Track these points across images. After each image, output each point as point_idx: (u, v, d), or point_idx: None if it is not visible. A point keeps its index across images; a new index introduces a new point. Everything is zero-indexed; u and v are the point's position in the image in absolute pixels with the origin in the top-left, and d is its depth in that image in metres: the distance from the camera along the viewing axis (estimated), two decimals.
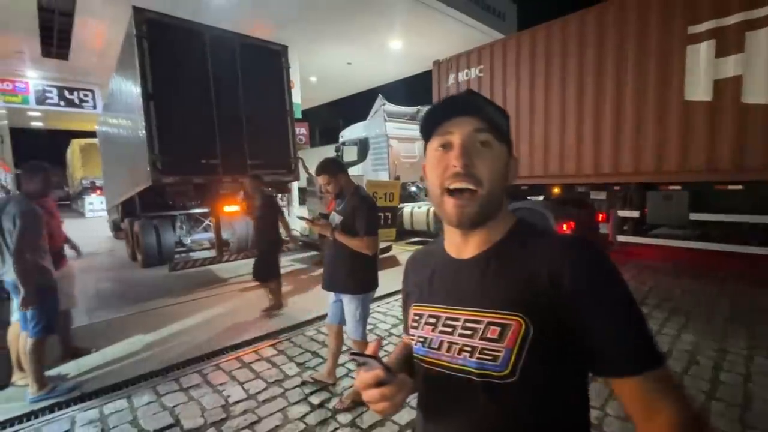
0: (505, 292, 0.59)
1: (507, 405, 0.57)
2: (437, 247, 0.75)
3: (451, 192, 0.62)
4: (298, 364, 2.93)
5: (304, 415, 2.28)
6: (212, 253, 6.85)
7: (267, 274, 4.15)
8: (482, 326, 0.59)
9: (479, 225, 0.64)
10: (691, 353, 2.85)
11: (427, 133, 0.66)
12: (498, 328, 0.57)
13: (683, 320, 3.46)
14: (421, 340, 0.67)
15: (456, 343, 0.62)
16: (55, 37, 8.97)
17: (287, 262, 6.71)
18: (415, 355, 0.69)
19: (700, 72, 4.10)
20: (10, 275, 2.50)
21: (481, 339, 0.59)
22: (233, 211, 6.17)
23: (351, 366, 2.82)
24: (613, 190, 5.21)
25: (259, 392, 2.55)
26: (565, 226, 5.46)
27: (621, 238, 5.26)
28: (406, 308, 0.76)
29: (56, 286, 2.71)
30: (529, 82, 5.49)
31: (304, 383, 2.64)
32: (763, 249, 4.15)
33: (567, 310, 0.55)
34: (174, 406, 2.41)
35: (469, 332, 0.60)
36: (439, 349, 0.64)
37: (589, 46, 4.87)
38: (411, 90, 15.32)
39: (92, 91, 12.28)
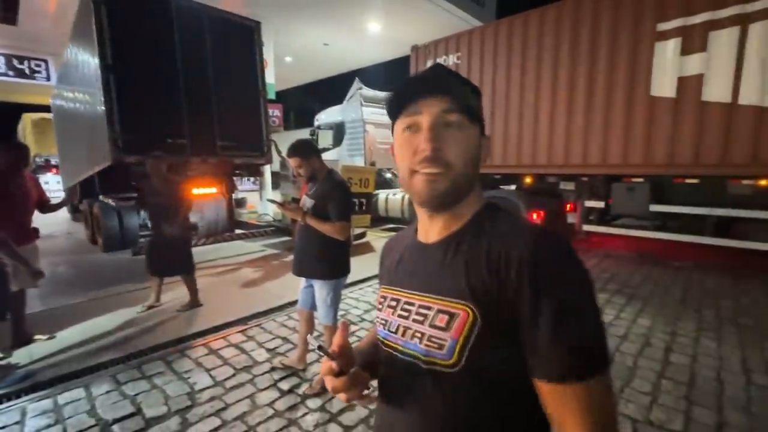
0: (458, 279, 0.57)
1: (451, 394, 0.57)
2: (409, 231, 0.74)
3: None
4: (268, 350, 2.89)
5: (273, 401, 2.26)
6: None
7: (179, 268, 3.79)
8: (432, 313, 0.59)
9: (448, 206, 0.62)
10: (646, 336, 3.03)
11: (394, 112, 0.63)
12: (446, 317, 0.56)
13: (640, 305, 3.66)
14: (382, 322, 0.67)
15: (410, 328, 0.61)
16: None
17: (259, 247, 6.58)
18: (377, 336, 0.70)
19: (666, 69, 4.25)
20: None
21: (430, 326, 0.58)
22: (202, 194, 5.95)
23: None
24: (581, 180, 5.39)
25: (227, 379, 2.50)
26: (535, 215, 5.62)
27: (587, 227, 5.47)
28: None
29: (7, 272, 2.55)
30: (506, 71, 5.53)
31: (273, 369, 2.61)
32: (715, 239, 4.44)
33: (513, 301, 0.52)
34: (135, 395, 2.32)
35: (420, 318, 0.60)
36: (396, 332, 0.64)
37: (564, 38, 4.94)
38: (389, 75, 15.14)
39: (45, 61, 11.34)
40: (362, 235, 6.70)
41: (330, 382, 0.59)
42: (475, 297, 0.54)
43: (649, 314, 3.46)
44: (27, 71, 11.22)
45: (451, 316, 0.56)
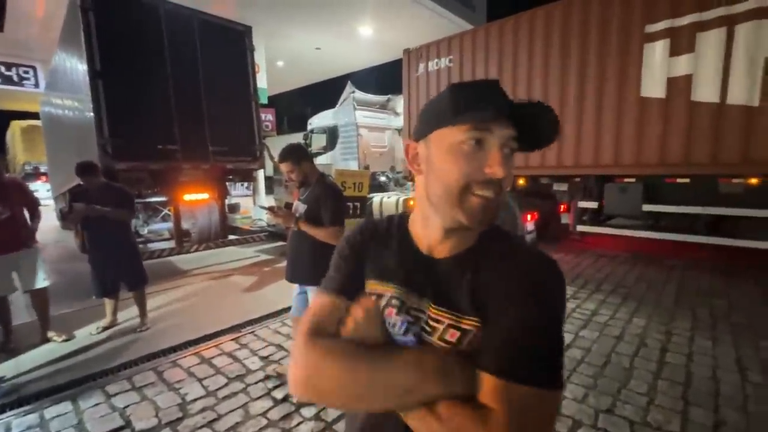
0: (470, 297, 0.59)
1: None
2: (391, 232, 0.72)
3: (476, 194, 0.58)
4: (262, 358, 2.84)
5: (267, 411, 2.22)
6: (172, 244, 6.51)
7: (141, 279, 3.56)
8: (442, 327, 0.61)
9: None
10: (641, 336, 3.03)
11: (457, 117, 0.57)
12: (458, 333, 0.59)
13: (635, 305, 3.67)
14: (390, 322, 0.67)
15: (417, 333, 0.64)
16: None
17: (253, 253, 6.51)
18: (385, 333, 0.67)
19: (655, 69, 4.29)
20: None
21: (440, 339, 0.60)
22: (194, 200, 5.89)
23: None
24: (574, 181, 5.42)
25: (219, 388, 2.45)
26: (529, 217, 5.63)
27: (580, 227, 5.49)
28: (353, 268, 0.72)
29: None
30: (497, 74, 5.55)
31: (267, 377, 2.56)
32: (707, 238, 4.48)
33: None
34: (125, 407, 2.26)
35: (429, 329, 0.62)
36: (401, 333, 0.65)
37: (555, 41, 4.97)
38: (381, 78, 15.17)
39: (33, 68, 11.19)
40: None
41: None
42: (482, 314, 0.58)
43: (644, 314, 3.46)
44: (15, 78, 11.06)
45: (464, 332, 0.59)
